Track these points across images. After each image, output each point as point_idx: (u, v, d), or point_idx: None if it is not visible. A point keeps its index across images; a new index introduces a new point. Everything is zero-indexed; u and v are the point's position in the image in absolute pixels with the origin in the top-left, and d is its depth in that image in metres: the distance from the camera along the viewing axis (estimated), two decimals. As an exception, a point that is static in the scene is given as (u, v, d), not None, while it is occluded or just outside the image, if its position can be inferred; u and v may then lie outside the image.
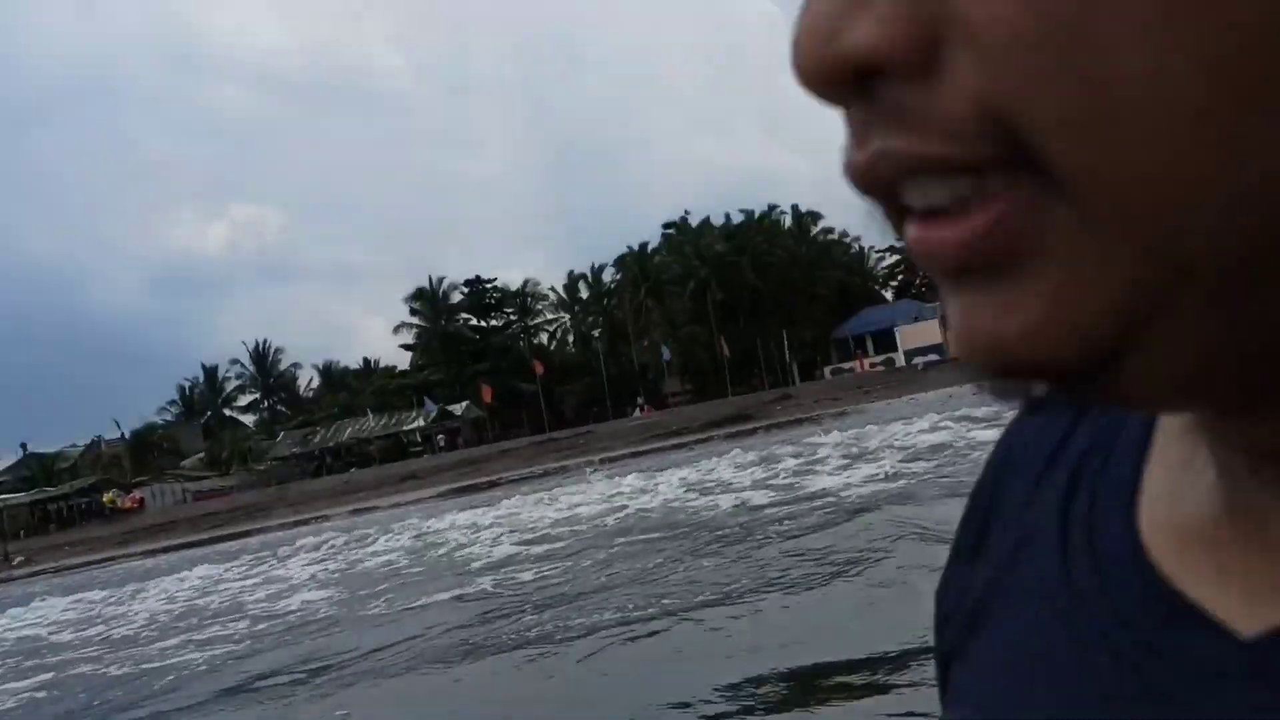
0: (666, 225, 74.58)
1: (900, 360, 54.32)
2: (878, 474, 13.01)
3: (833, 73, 0.24)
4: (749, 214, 72.05)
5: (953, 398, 26.42)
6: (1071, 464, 0.38)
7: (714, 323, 64.85)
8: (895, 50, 0.23)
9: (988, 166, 0.23)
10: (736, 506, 12.60)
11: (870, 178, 0.25)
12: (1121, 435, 0.36)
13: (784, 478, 14.69)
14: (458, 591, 10.28)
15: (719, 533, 10.74)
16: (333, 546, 18.72)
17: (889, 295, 76.10)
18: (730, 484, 15.35)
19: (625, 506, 14.97)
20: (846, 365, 58.40)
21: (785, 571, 8.00)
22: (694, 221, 73.14)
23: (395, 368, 78.46)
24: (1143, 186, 0.21)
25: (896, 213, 0.25)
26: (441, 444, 62.78)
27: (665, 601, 7.81)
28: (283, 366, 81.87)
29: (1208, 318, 0.22)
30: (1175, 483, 0.32)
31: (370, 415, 67.35)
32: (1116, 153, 0.21)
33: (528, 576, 10.39)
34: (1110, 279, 0.22)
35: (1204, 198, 0.21)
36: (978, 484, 0.44)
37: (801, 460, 16.21)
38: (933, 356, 51.70)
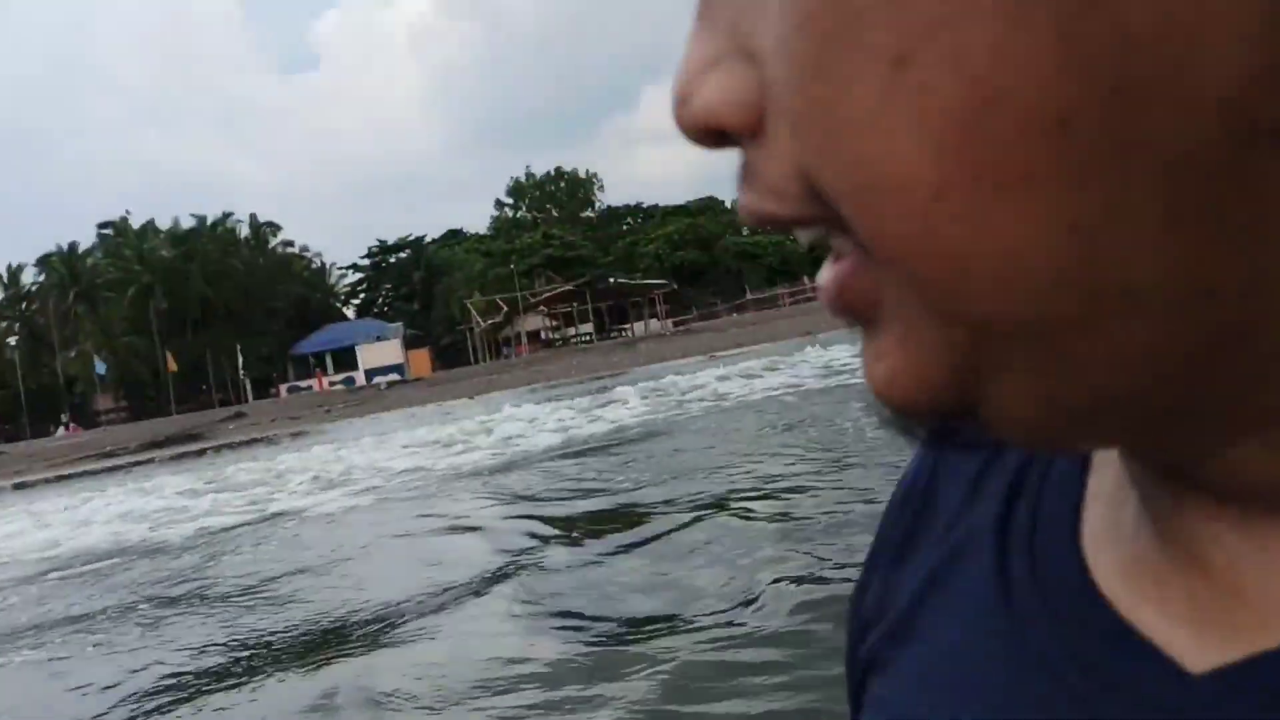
0: (103, 225, 68.41)
1: (361, 379, 54.18)
2: (355, 491, 12.86)
3: (693, 130, 0.25)
4: (201, 220, 68.33)
5: (415, 417, 26.89)
6: (1010, 471, 0.37)
7: (157, 334, 60.15)
8: (728, 116, 0.24)
9: (821, 224, 0.24)
10: (198, 531, 11.73)
11: (747, 223, 0.26)
12: None
13: (242, 503, 13.93)
14: None
15: (175, 560, 9.92)
16: None
17: (351, 313, 75.77)
18: (185, 509, 14.22)
19: (56, 541, 13.22)
20: (305, 383, 56.93)
21: (242, 583, 7.65)
22: (136, 223, 68.00)
23: None
24: (917, 255, 0.22)
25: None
26: None
27: (98, 637, 7.12)
28: None
29: (1026, 374, 0.23)
30: (1114, 502, 0.32)
31: None
32: (887, 223, 0.22)
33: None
34: (933, 338, 0.23)
35: (968, 266, 0.21)
36: (906, 482, 0.43)
37: (268, 488, 15.47)
38: (394, 376, 52.28)
